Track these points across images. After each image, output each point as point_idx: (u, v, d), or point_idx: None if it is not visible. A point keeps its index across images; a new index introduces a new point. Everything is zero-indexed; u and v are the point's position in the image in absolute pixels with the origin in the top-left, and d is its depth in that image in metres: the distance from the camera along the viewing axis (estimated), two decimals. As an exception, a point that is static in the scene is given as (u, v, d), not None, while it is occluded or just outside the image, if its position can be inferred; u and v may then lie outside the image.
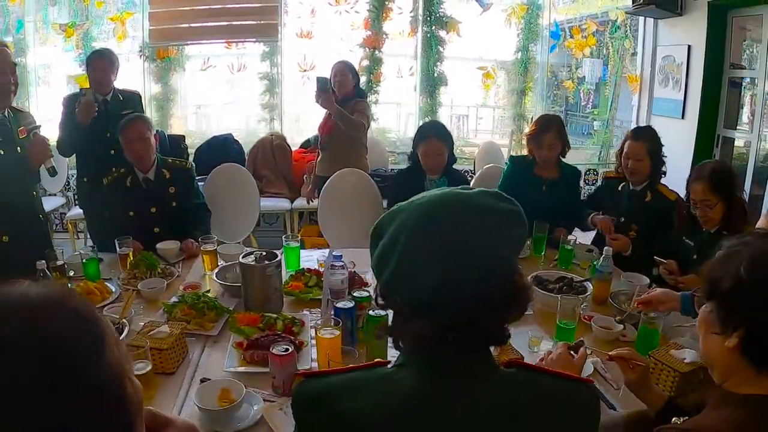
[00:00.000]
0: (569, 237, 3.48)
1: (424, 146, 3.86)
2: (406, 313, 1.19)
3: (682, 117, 6.24)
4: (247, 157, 6.19)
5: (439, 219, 1.15)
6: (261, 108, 6.68)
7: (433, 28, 6.49)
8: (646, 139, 3.54)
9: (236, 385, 1.99)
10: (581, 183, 4.47)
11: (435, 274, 1.11)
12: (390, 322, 1.28)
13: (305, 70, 6.54)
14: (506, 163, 4.37)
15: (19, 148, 3.20)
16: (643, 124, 6.72)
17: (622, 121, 7.60)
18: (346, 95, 4.82)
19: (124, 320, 2.44)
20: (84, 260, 3.11)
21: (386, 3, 6.35)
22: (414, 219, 1.17)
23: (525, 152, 4.08)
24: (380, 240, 1.21)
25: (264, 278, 2.68)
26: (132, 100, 4.59)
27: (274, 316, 2.54)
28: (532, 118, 6.81)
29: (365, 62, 6.34)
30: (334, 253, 2.80)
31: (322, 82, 4.54)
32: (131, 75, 6.18)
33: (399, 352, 1.26)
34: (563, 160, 3.98)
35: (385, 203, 4.47)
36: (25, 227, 3.19)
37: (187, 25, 6.42)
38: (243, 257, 2.73)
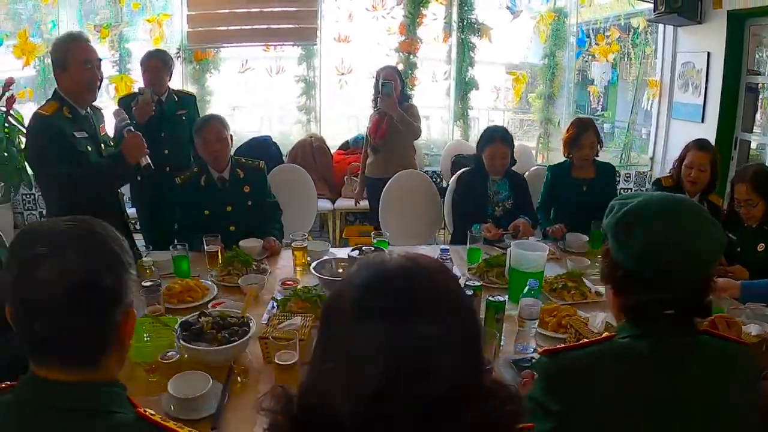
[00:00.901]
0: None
1: (491, 149, 3.98)
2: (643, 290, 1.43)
3: (702, 121, 6.37)
4: (286, 159, 6.24)
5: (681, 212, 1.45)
6: (297, 110, 6.75)
7: (466, 34, 6.62)
8: (710, 151, 3.74)
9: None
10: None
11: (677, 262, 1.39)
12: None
13: (342, 74, 6.61)
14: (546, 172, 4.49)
15: (102, 145, 3.26)
16: (663, 126, 6.92)
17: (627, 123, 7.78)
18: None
19: (248, 315, 2.51)
20: (174, 257, 3.17)
21: (421, 9, 6.47)
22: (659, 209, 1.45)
23: (552, 155, 4.23)
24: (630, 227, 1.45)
25: None
26: (187, 100, 4.66)
27: None
28: (559, 123, 6.99)
29: (400, 66, 6.42)
30: (441, 247, 2.92)
31: (387, 87, 4.65)
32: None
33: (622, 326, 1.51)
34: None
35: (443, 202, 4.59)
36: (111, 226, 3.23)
37: (225, 28, 6.47)
38: (352, 252, 2.87)
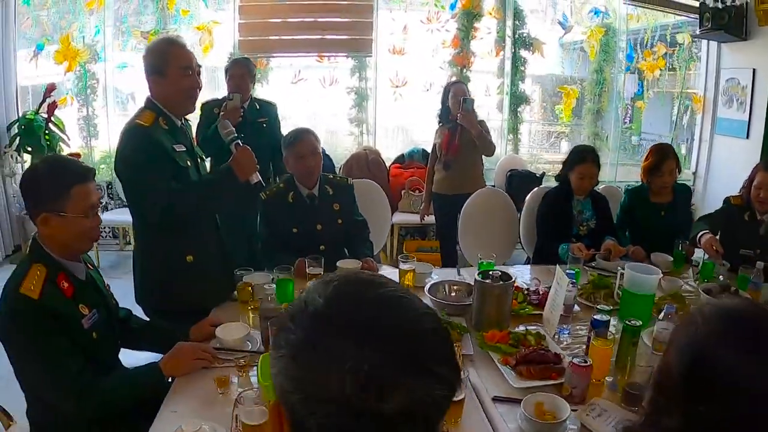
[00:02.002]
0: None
1: (581, 169, 3.85)
2: None
3: (747, 137, 6.28)
4: (339, 171, 6.08)
5: None
6: (349, 122, 6.62)
7: (518, 48, 6.53)
8: None
9: (555, 400, 2.01)
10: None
11: None
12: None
13: (397, 86, 6.48)
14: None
15: (199, 159, 3.02)
16: (706, 141, 6.84)
17: (661, 135, 7.71)
18: None
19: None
20: (277, 280, 2.93)
21: (474, 23, 6.37)
22: None
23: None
24: None
25: (501, 298, 2.65)
26: (268, 109, 4.55)
27: (522, 332, 2.53)
28: (607, 137, 6.90)
29: (453, 80, 6.29)
30: (567, 271, 2.79)
31: (469, 103, 4.57)
32: (217, 85, 6.09)
33: None
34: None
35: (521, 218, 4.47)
36: (209, 246, 3.02)
37: (277, 37, 6.34)
38: (480, 276, 2.69)
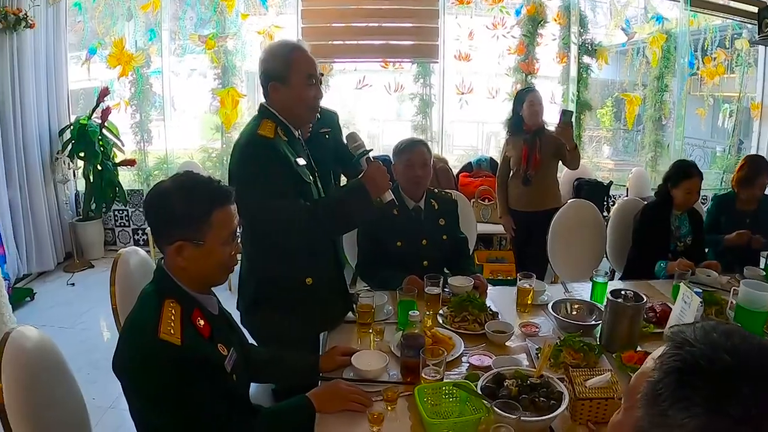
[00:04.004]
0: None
1: (689, 184, 3.63)
2: None
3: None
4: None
5: None
6: (413, 129, 6.35)
7: (582, 54, 6.28)
8: None
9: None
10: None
11: None
12: None
13: (463, 93, 6.23)
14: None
15: (316, 174, 2.74)
16: (763, 150, 6.62)
17: (705, 140, 7.48)
18: (539, 126, 4.51)
19: (545, 374, 2.11)
20: (400, 300, 2.66)
21: (539, 29, 6.14)
22: None
23: (660, 179, 3.94)
24: None
25: (634, 318, 2.47)
26: (330, 117, 4.15)
27: None
28: (669, 145, 6.67)
29: (518, 87, 6.07)
30: (695, 290, 2.57)
31: (568, 116, 4.18)
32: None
33: None
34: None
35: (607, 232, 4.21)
36: (328, 267, 2.76)
37: (341, 42, 6.13)
38: (612, 296, 2.50)
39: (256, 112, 2.59)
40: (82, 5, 6.36)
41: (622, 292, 2.51)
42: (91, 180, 6.09)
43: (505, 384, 2.03)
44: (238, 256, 2.00)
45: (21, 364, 1.85)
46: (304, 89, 2.49)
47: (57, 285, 5.92)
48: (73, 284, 5.85)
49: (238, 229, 1.96)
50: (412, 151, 3.23)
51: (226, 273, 1.96)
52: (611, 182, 6.04)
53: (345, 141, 2.68)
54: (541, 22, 6.16)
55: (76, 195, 6.57)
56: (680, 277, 3.04)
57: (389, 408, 2.05)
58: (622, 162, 7.48)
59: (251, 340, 2.58)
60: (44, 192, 6.03)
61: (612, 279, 4.02)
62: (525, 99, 4.52)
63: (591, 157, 6.92)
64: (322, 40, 6.14)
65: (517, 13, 6.18)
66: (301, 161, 2.54)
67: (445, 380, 2.10)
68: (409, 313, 2.32)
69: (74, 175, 6.43)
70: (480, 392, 2.00)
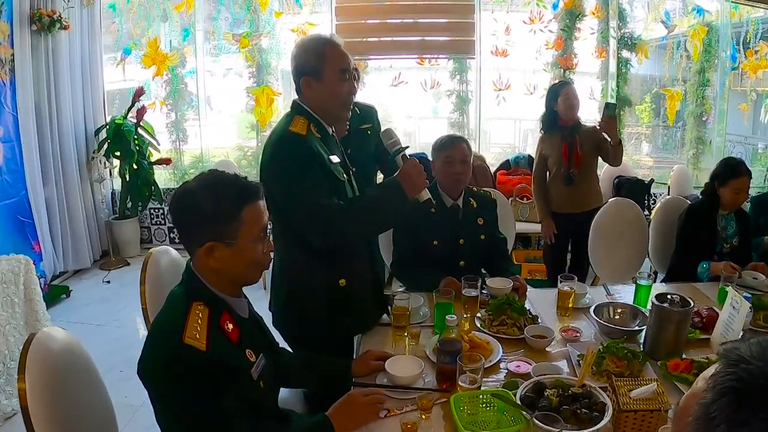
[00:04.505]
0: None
1: (737, 183, 3.45)
2: None
3: None
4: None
5: None
6: (449, 126, 6.23)
7: (621, 49, 6.09)
8: None
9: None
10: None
11: None
12: None
13: (500, 89, 6.09)
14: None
15: (351, 171, 2.64)
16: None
17: (746, 137, 7.24)
18: (576, 121, 4.32)
19: (587, 384, 1.99)
20: (437, 303, 2.58)
21: (576, 23, 5.96)
22: None
23: (702, 176, 3.78)
24: None
25: (681, 324, 2.33)
26: (369, 113, 3.97)
27: (704, 360, 2.18)
28: (710, 142, 6.46)
29: (556, 82, 5.90)
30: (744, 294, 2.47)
31: (611, 108, 3.98)
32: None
33: None
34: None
35: (650, 232, 4.02)
36: (363, 268, 2.65)
37: (376, 39, 6.05)
38: (657, 300, 2.36)
39: (289, 109, 2.51)
40: (117, 6, 6.41)
41: (668, 296, 2.38)
42: (127, 179, 6.11)
43: (546, 394, 1.92)
44: (272, 254, 1.93)
45: (46, 365, 1.81)
46: (337, 84, 2.39)
47: (93, 282, 5.95)
48: (108, 282, 5.87)
49: (268, 225, 1.88)
50: (453, 147, 3.13)
51: (259, 271, 1.87)
52: (652, 180, 5.84)
53: (381, 137, 2.57)
54: (579, 16, 5.99)
55: (113, 193, 6.60)
56: (726, 280, 2.90)
57: (423, 417, 1.95)
58: (662, 159, 7.24)
59: (283, 343, 2.50)
60: (80, 191, 6.07)
61: (654, 281, 3.86)
62: (560, 93, 4.29)
63: (631, 154, 6.71)
64: (356, 37, 6.07)
65: (555, 7, 6.01)
66: (335, 159, 2.44)
67: (482, 388, 2.01)
68: (446, 317, 2.21)
69: (110, 174, 6.49)
70: (519, 402, 1.89)
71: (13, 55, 5.10)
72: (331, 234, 2.31)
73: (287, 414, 2.20)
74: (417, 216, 2.93)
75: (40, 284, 4.92)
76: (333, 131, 2.56)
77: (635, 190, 5.61)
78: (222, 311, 1.79)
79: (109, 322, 4.95)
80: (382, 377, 2.20)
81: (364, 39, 6.11)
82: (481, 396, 1.95)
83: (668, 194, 5.78)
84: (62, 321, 4.95)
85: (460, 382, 1.99)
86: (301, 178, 2.30)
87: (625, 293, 2.99)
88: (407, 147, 2.53)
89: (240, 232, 1.75)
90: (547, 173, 4.46)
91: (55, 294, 5.43)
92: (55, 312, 5.13)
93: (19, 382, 1.74)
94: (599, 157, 4.35)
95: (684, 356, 2.26)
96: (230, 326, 1.79)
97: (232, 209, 1.74)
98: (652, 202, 5.75)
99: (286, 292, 2.59)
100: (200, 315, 1.71)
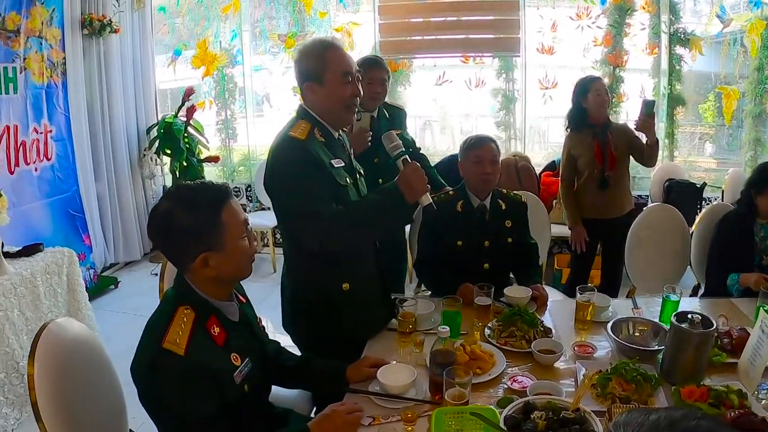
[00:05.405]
0: None
1: None
2: None
3: None
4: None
5: None
6: (495, 126, 6.05)
7: (674, 45, 5.77)
8: None
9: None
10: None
11: None
12: None
13: (546, 88, 5.89)
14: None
15: (358, 175, 2.59)
16: None
17: None
18: (606, 119, 4.06)
19: (583, 407, 1.83)
20: (444, 311, 2.48)
21: (626, 18, 5.69)
22: None
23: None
24: None
25: (701, 347, 2.11)
26: (399, 116, 3.87)
27: (723, 389, 1.96)
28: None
29: (606, 81, 5.64)
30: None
31: (650, 106, 3.74)
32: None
33: None
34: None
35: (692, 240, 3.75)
36: (368, 273, 2.59)
37: (420, 38, 5.94)
38: (676, 319, 2.16)
39: (294, 114, 2.48)
40: (167, 9, 6.56)
41: (689, 316, 2.17)
42: (177, 175, 6.20)
43: (532, 416, 1.78)
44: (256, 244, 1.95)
45: (56, 353, 1.91)
46: (340, 87, 2.35)
47: (141, 275, 6.10)
48: (156, 274, 5.94)
49: (248, 218, 1.89)
50: (482, 147, 3.02)
51: (250, 265, 1.90)
52: (704, 184, 5.50)
53: (382, 141, 2.48)
54: (629, 11, 5.68)
55: (163, 189, 6.69)
56: (765, 296, 2.64)
57: (408, 429, 1.90)
58: (724, 161, 6.84)
59: (292, 345, 2.51)
60: (132, 186, 6.25)
61: (695, 294, 3.62)
62: (590, 88, 3.99)
63: (686, 156, 6.36)
64: (400, 36, 5.97)
65: (603, 2, 5.71)
66: (338, 163, 2.39)
67: (472, 403, 1.92)
68: (439, 328, 2.13)
69: (161, 171, 6.65)
70: (503, 422, 1.76)
71: (64, 58, 5.24)
72: (328, 239, 2.25)
73: (284, 414, 2.21)
74: (441, 214, 2.78)
75: (90, 275, 5.10)
76: (340, 135, 2.51)
77: (686, 194, 5.29)
78: (209, 315, 1.80)
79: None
80: (375, 384, 2.13)
81: (408, 38, 6.00)
82: (464, 412, 1.83)
83: (722, 199, 5.45)
84: (108, 311, 5.11)
85: (446, 396, 1.90)
86: (298, 182, 2.26)
87: (657, 308, 2.75)
88: (409, 150, 2.46)
89: (226, 235, 1.76)
90: (576, 175, 4.19)
91: (103, 285, 5.63)
92: (102, 302, 5.30)
93: (28, 367, 1.84)
94: (632, 157, 4.08)
95: (704, 382, 2.04)
96: (217, 330, 1.80)
97: (212, 217, 1.75)
98: (706, 206, 5.40)
99: (291, 295, 2.58)
100: (185, 320, 1.73)
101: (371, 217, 2.34)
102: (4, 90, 4.63)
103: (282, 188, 2.35)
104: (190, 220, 1.72)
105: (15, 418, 3.55)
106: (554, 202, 5.23)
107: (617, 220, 4.05)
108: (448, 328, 2.11)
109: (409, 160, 2.36)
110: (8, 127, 4.67)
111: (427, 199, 2.33)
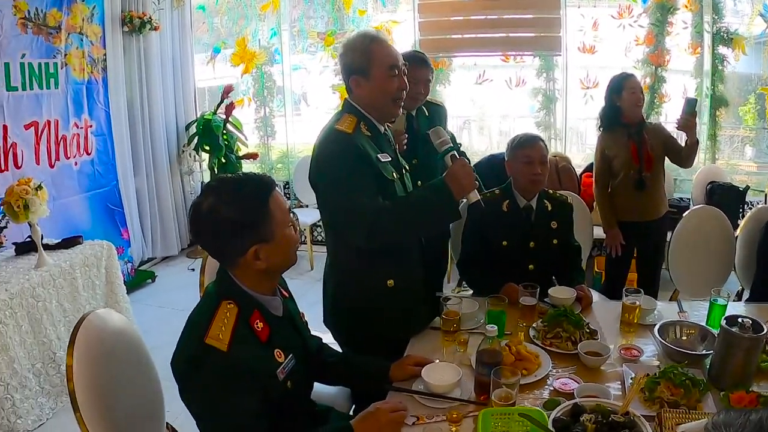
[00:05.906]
0: None
1: None
2: None
3: None
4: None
5: None
6: (536, 126, 5.97)
7: (717, 44, 5.63)
8: None
9: None
10: None
11: None
12: None
13: (588, 87, 5.78)
14: None
15: (404, 170, 2.57)
16: None
17: None
18: (641, 118, 3.92)
19: (632, 411, 1.78)
20: (488, 311, 2.45)
21: (668, 17, 5.57)
22: None
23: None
24: None
25: (751, 352, 2.05)
26: (439, 114, 3.68)
27: None
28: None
29: (647, 80, 5.54)
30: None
31: (692, 104, 3.61)
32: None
33: None
34: None
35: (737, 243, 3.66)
36: (413, 269, 2.55)
37: (459, 36, 5.90)
38: (726, 323, 2.10)
39: (339, 108, 2.46)
40: (206, 7, 6.60)
41: (739, 320, 2.10)
42: (216, 172, 6.23)
43: (582, 419, 1.74)
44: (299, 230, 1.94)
45: (95, 346, 1.92)
46: (386, 81, 2.33)
47: (178, 269, 6.15)
48: (193, 269, 6.01)
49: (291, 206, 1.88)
50: (533, 147, 2.96)
51: (295, 253, 1.88)
52: (748, 187, 5.36)
53: (429, 136, 2.45)
54: (671, 10, 5.54)
55: (201, 185, 6.74)
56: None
57: (453, 429, 1.86)
58: (765, 165, 6.66)
59: (333, 342, 2.49)
60: (170, 182, 6.33)
61: (739, 299, 3.53)
62: (624, 86, 3.82)
63: (728, 158, 6.21)
64: (439, 34, 5.92)
65: (644, 0, 5.62)
66: (384, 157, 2.36)
67: (518, 405, 1.89)
68: (487, 326, 2.08)
69: (200, 167, 6.69)
70: (552, 425, 1.72)
71: (105, 55, 5.31)
72: (374, 234, 2.22)
73: (325, 412, 2.19)
74: (487, 214, 2.79)
75: (127, 269, 5.16)
76: (385, 130, 2.49)
77: (729, 197, 5.16)
78: (253, 310, 1.77)
79: (189, 307, 5.00)
80: (419, 383, 2.10)
81: (447, 36, 5.95)
82: (511, 414, 1.79)
83: (765, 203, 5.32)
84: (144, 304, 5.15)
85: (493, 397, 1.86)
86: (344, 177, 2.23)
87: (702, 311, 2.68)
88: (458, 146, 2.42)
89: (272, 224, 1.73)
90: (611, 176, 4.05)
91: (141, 278, 5.68)
92: (139, 295, 5.34)
93: (67, 357, 1.84)
94: (668, 158, 3.95)
95: (753, 389, 1.98)
96: (260, 325, 1.77)
97: (259, 207, 1.72)
98: (749, 210, 5.27)
99: (334, 290, 2.56)
100: (228, 315, 1.70)
101: (418, 213, 2.30)
102: (45, 85, 4.71)
103: (328, 182, 2.32)
104: (237, 213, 1.68)
105: (50, 408, 3.60)
106: (594, 203, 5.14)
107: (653, 223, 3.94)
108: (495, 327, 2.06)
109: (458, 156, 2.33)
110: (49, 122, 4.76)
111: (475, 195, 2.30)
